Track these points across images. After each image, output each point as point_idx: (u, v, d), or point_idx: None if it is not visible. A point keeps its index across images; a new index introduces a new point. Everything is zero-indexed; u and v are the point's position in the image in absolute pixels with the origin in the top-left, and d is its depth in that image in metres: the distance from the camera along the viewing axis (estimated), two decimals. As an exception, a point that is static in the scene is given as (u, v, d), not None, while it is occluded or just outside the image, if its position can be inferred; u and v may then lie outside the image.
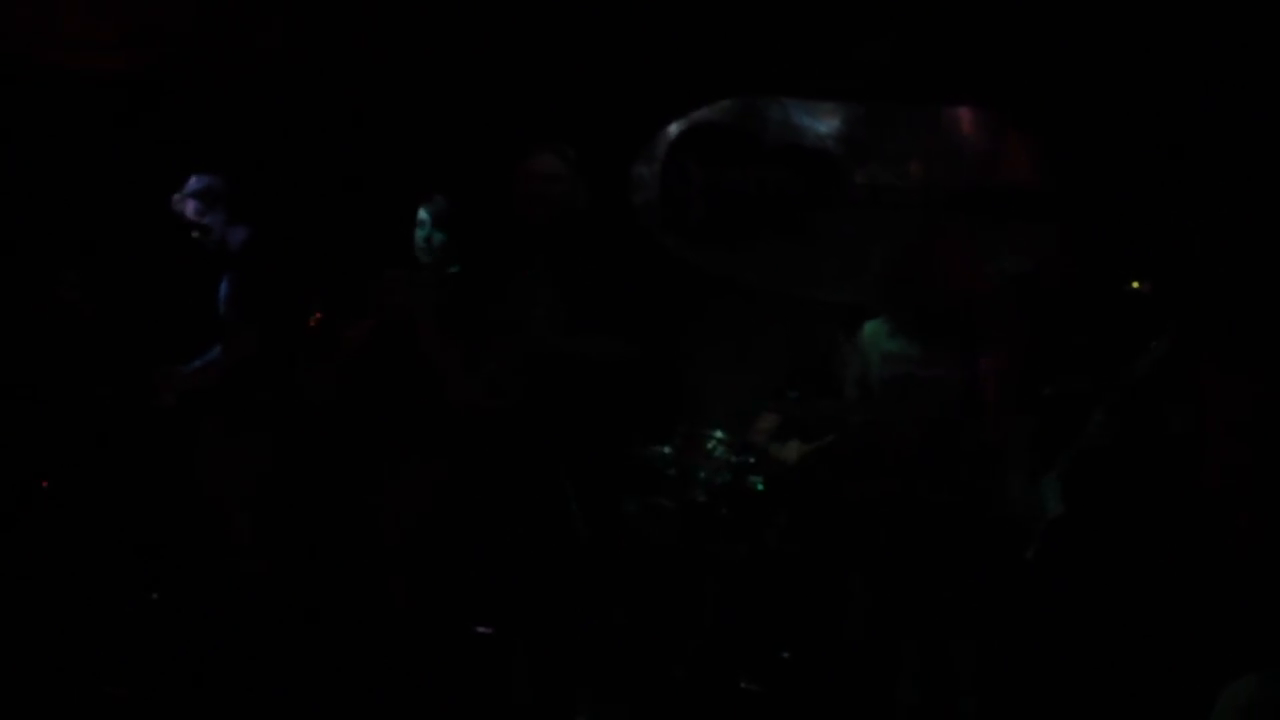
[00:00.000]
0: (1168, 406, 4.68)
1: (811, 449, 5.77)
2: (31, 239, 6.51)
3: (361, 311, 5.20)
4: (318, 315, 5.38)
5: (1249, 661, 3.97)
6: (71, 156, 6.79)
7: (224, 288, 5.77)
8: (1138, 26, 6.23)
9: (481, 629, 5.48)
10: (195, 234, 5.72)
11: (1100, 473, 4.66)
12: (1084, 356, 4.81)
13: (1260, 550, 4.89)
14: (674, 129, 7.00)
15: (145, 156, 6.79)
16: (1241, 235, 5.71)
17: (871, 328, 5.26)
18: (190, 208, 5.69)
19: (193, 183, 5.71)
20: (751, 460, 5.77)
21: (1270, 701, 3.19)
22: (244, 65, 6.59)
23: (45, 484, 6.02)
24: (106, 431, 6.12)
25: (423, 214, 5.34)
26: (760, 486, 5.74)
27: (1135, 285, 5.17)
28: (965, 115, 6.80)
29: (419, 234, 5.34)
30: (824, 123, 6.95)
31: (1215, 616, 4.86)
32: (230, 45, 6.55)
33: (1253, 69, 6.00)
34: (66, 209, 6.67)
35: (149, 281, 6.62)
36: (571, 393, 4.78)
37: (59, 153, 6.77)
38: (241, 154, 6.67)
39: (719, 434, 5.79)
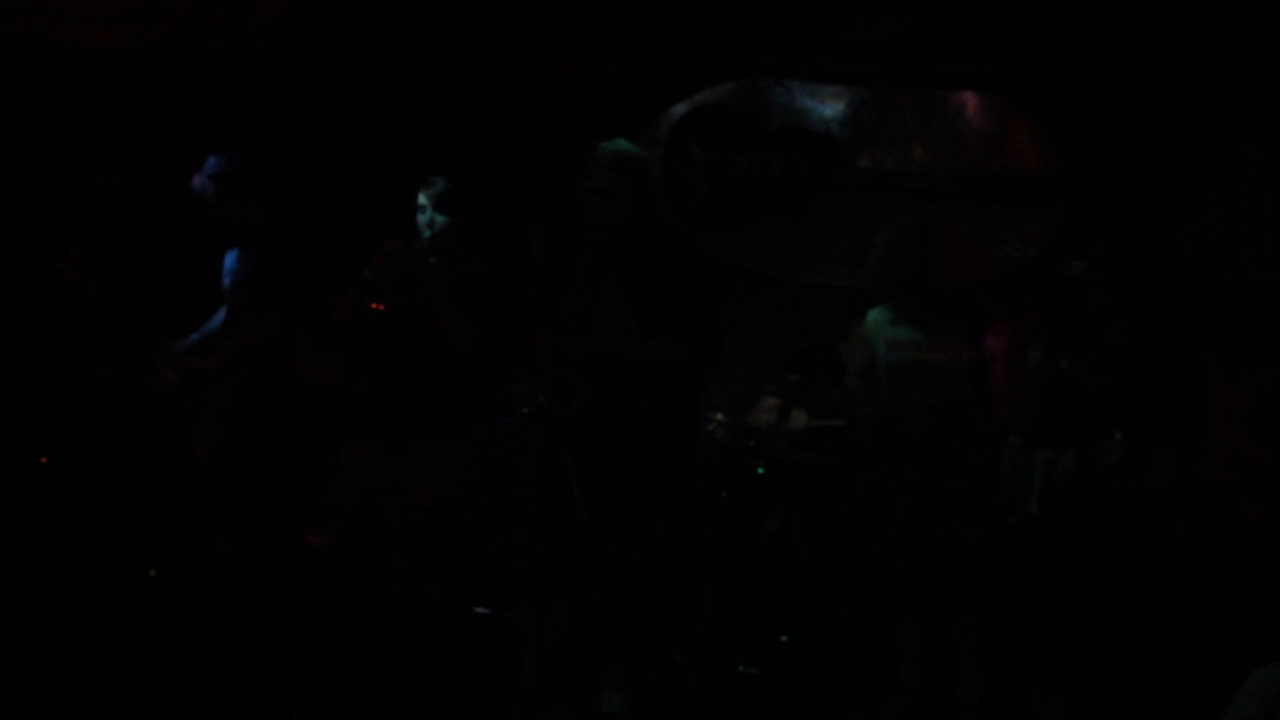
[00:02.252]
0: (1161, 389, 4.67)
1: (820, 424, 5.77)
2: (34, 215, 6.49)
3: (362, 285, 5.18)
4: (375, 305, 5.33)
5: (1254, 644, 3.97)
6: (74, 132, 6.77)
7: (232, 262, 5.75)
8: (1141, 11, 6.23)
9: (480, 610, 5.49)
10: (217, 215, 5.71)
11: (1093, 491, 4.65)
12: (1099, 336, 4.79)
13: (1265, 536, 4.91)
14: (677, 111, 7.00)
15: (148, 132, 6.79)
16: (1242, 224, 5.71)
17: (876, 314, 5.26)
18: (210, 189, 5.68)
19: (211, 163, 5.70)
20: (752, 443, 5.76)
21: None
22: (247, 40, 6.56)
23: (44, 460, 6.00)
24: (108, 408, 6.10)
25: (422, 198, 5.33)
26: (760, 470, 5.73)
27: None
28: (969, 100, 6.80)
29: (420, 219, 5.33)
30: (828, 106, 6.95)
31: (1219, 603, 4.88)
32: (233, 19, 6.52)
33: (1253, 52, 6.00)
34: (69, 185, 6.64)
35: (152, 258, 6.61)
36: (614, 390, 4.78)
37: (61, 128, 6.75)
38: (244, 130, 6.67)
39: (719, 416, 5.78)
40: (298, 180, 6.52)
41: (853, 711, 5.30)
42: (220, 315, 5.88)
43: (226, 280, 5.80)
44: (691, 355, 4.79)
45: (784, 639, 5.68)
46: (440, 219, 5.31)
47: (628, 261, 4.81)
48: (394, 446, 5.23)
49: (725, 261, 6.94)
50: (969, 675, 5.01)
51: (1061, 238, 6.59)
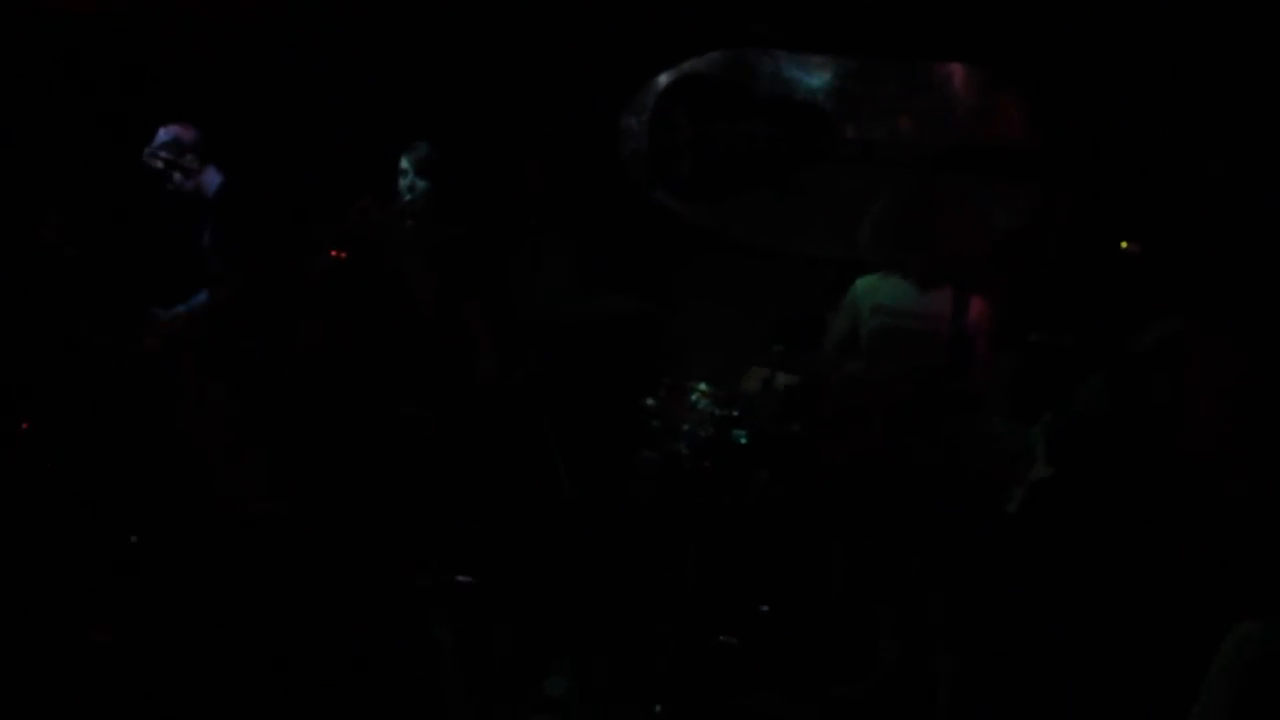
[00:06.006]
0: (1156, 378, 4.69)
1: (788, 406, 5.78)
2: (12, 181, 6.46)
3: (336, 241, 5.18)
4: (334, 253, 5.33)
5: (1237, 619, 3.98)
6: (51, 98, 6.73)
7: (205, 235, 5.75)
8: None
9: (462, 578, 5.49)
10: (169, 186, 5.71)
11: (1088, 438, 4.67)
12: (1069, 310, 4.80)
13: (1245, 516, 4.91)
14: (663, 80, 6.97)
15: (126, 96, 6.74)
16: (1229, 203, 5.71)
17: (864, 282, 5.26)
18: (159, 161, 5.69)
19: (161, 135, 5.70)
20: (735, 414, 5.75)
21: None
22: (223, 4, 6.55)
23: (25, 426, 5.99)
24: (90, 375, 6.08)
25: (404, 162, 5.33)
26: (744, 440, 5.73)
27: (1124, 245, 5.16)
28: (956, 71, 6.77)
29: (402, 182, 5.33)
30: (815, 76, 6.92)
31: (1198, 581, 4.88)
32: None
33: (1243, 32, 5.98)
34: (47, 150, 6.61)
35: (132, 224, 6.58)
36: (569, 354, 4.79)
37: (38, 94, 6.70)
38: (220, 94, 6.63)
39: (703, 386, 5.77)
40: (277, 145, 6.49)
41: (833, 683, 5.32)
42: (205, 292, 5.88)
43: (202, 254, 5.80)
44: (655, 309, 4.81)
45: (765, 609, 5.69)
46: (421, 184, 5.31)
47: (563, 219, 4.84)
48: (374, 412, 5.24)
49: (711, 232, 6.93)
50: (946, 649, 5.02)
51: (1047, 211, 6.58)
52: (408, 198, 5.30)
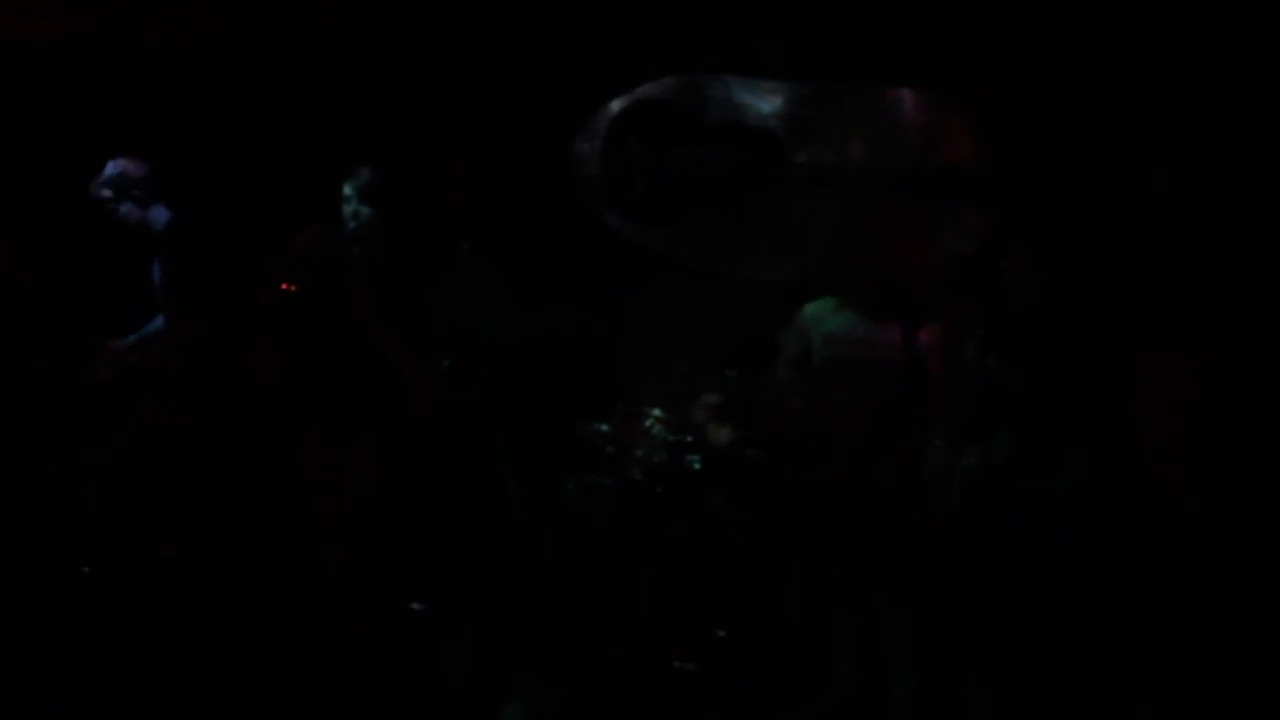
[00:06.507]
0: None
1: (740, 437, 5.81)
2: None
3: (286, 273, 5.17)
4: (285, 285, 5.31)
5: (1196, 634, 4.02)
6: (6, 123, 6.71)
7: (154, 268, 5.75)
8: (1077, 7, 6.27)
9: (415, 606, 5.47)
10: (116, 218, 5.70)
11: (1036, 442, 4.70)
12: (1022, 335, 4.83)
13: (1204, 528, 4.94)
14: (616, 106, 6.98)
15: (83, 123, 6.72)
16: (1176, 216, 5.76)
17: (813, 308, 5.27)
18: (105, 195, 5.68)
19: (108, 169, 5.70)
20: (689, 439, 5.77)
21: None
22: (181, 31, 6.53)
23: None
24: (40, 404, 6.05)
25: (347, 189, 5.34)
26: (697, 465, 5.74)
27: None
28: (907, 96, 6.81)
29: (346, 209, 5.34)
30: (766, 101, 6.94)
31: (1161, 596, 4.91)
32: (166, 11, 6.48)
33: (1192, 52, 6.05)
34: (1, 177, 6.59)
35: (87, 252, 6.56)
36: (514, 374, 4.78)
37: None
38: (179, 121, 6.62)
39: (657, 412, 5.78)
40: (224, 178, 6.47)
41: (788, 706, 5.32)
42: (159, 320, 5.86)
43: (155, 289, 5.79)
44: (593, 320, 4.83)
45: (720, 634, 5.69)
46: (365, 210, 5.32)
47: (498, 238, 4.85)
48: (328, 440, 5.24)
49: (664, 256, 6.94)
50: (902, 669, 5.03)
51: (998, 233, 6.62)
52: (352, 224, 5.30)
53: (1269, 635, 4.81)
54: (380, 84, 6.79)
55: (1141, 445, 5.03)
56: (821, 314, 5.23)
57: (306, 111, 6.76)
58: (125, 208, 5.68)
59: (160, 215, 5.71)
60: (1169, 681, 4.82)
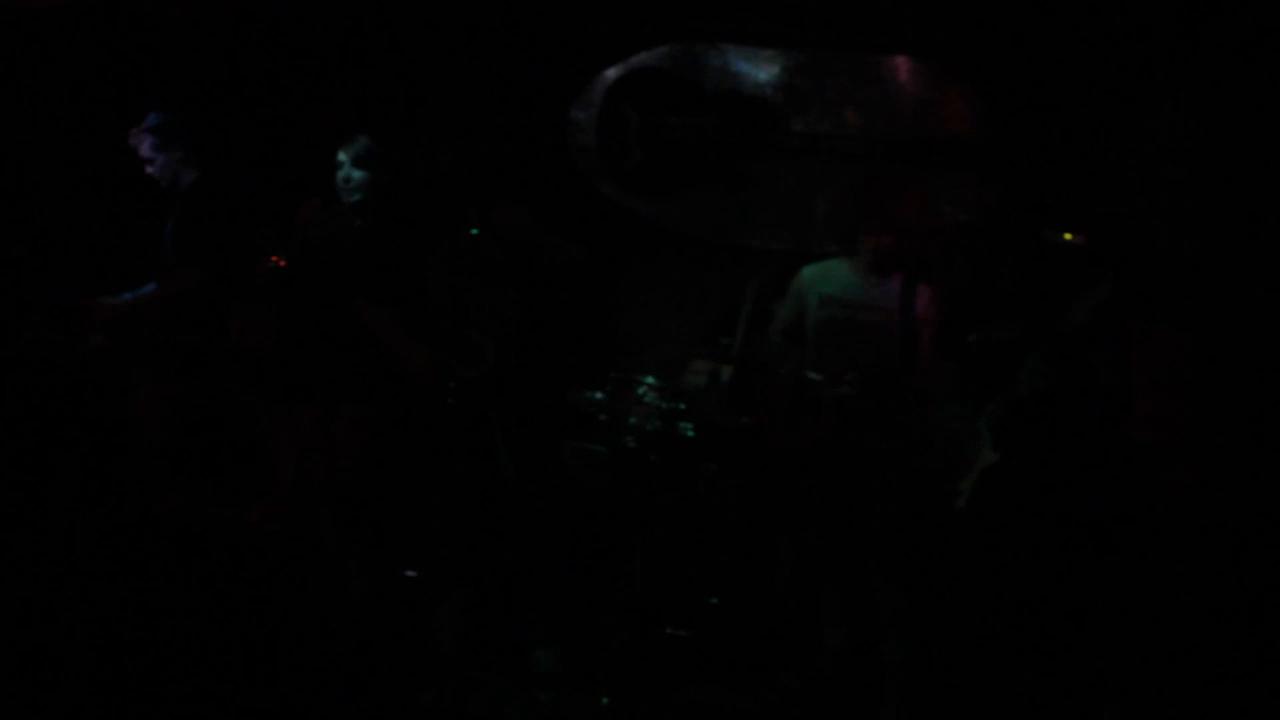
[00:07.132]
0: (1097, 355, 4.72)
1: (721, 375, 5.82)
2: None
3: (284, 244, 5.17)
4: (275, 259, 5.32)
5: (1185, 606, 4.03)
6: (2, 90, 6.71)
7: (170, 227, 5.73)
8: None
9: (409, 573, 5.50)
10: (149, 170, 5.69)
11: (1032, 422, 4.70)
12: (1009, 304, 4.83)
13: (1190, 497, 4.96)
14: (612, 74, 6.97)
15: (79, 90, 6.71)
16: (1173, 189, 5.75)
17: (811, 270, 5.26)
18: (146, 144, 5.66)
19: (151, 119, 5.67)
20: (682, 406, 5.77)
21: None
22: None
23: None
24: (34, 370, 6.06)
25: (341, 155, 5.35)
26: (690, 433, 5.75)
27: (1068, 237, 5.18)
28: (903, 65, 6.80)
29: (338, 175, 5.35)
30: (763, 70, 6.94)
31: (1144, 566, 4.93)
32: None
33: (1188, 22, 6.03)
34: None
35: (81, 218, 6.56)
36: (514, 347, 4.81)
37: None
38: (181, 92, 6.61)
39: (650, 380, 5.79)
40: (230, 144, 6.47)
41: (779, 672, 5.34)
42: (151, 286, 5.85)
43: (165, 247, 5.78)
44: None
45: (713, 601, 5.71)
46: (357, 174, 5.33)
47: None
48: (321, 409, 5.26)
49: (659, 225, 6.94)
50: (893, 636, 5.04)
51: (994, 202, 6.62)
52: (347, 191, 5.32)
53: (1255, 626, 4.83)
54: (376, 53, 6.78)
55: (1130, 415, 5.05)
56: (819, 276, 5.23)
57: (304, 80, 6.76)
58: (162, 159, 5.66)
59: (189, 175, 5.70)
60: (1144, 676, 4.85)
